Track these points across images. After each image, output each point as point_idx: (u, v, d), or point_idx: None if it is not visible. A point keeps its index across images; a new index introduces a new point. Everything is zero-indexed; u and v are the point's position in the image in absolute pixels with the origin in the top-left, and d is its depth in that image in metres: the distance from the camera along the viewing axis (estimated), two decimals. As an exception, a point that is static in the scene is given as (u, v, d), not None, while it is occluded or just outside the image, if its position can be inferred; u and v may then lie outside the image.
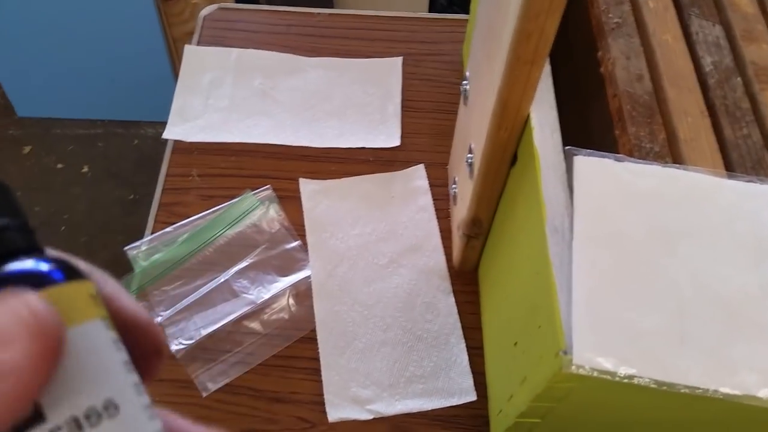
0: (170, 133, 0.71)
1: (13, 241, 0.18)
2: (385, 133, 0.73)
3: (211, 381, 0.57)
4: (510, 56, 0.37)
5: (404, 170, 0.70)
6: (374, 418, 0.56)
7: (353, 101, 0.75)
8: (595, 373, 0.32)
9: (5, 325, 0.15)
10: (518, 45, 0.36)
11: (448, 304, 0.62)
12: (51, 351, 0.16)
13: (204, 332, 0.59)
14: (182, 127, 0.72)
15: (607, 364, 0.32)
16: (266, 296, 0.61)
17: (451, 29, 0.82)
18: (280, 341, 0.59)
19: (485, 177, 0.46)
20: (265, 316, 0.61)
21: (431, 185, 0.69)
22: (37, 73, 1.57)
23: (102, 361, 0.18)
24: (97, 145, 1.69)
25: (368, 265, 0.64)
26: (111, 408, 0.18)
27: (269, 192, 0.68)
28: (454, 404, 0.57)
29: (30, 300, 0.16)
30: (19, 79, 1.60)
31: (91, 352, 0.18)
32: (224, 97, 0.75)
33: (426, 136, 0.73)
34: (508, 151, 0.43)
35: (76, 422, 0.17)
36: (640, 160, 0.38)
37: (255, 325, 0.60)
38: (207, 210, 0.66)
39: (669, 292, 0.34)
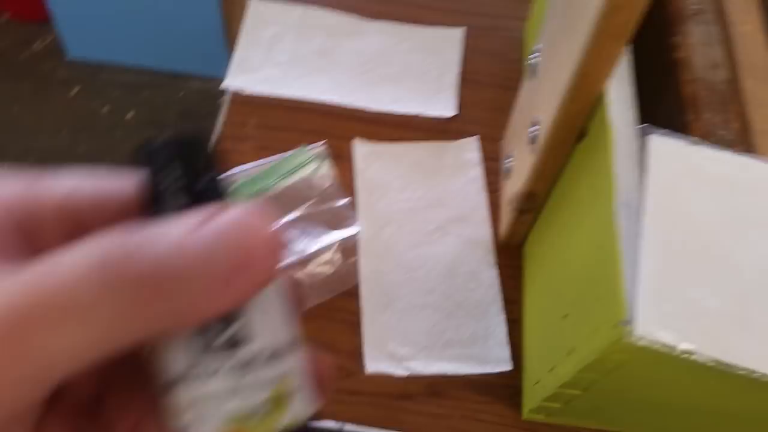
0: (230, 83, 0.72)
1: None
2: (441, 102, 0.73)
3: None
4: (596, 29, 0.37)
5: (457, 141, 0.70)
6: (409, 375, 0.57)
7: (412, 68, 0.76)
8: (655, 346, 0.32)
9: (254, 227, 0.17)
10: (606, 18, 0.36)
11: (490, 275, 0.63)
12: (276, 262, 0.18)
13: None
14: (242, 78, 0.73)
15: (667, 337, 0.32)
16: (313, 248, 0.62)
17: (516, 5, 0.82)
18: (323, 293, 0.61)
19: (549, 151, 0.47)
20: (311, 268, 0.62)
21: (483, 158, 0.69)
22: (89, 17, 1.59)
23: (280, 299, 0.20)
24: (143, 93, 1.71)
25: (415, 230, 0.65)
26: (288, 347, 0.19)
27: (323, 149, 0.68)
28: (489, 372, 0.58)
29: (266, 216, 0.18)
30: (73, 21, 1.62)
31: (275, 295, 0.20)
32: (285, 52, 0.75)
33: (481, 109, 0.73)
34: (578, 125, 0.43)
35: (271, 351, 0.19)
36: (714, 146, 0.39)
37: (300, 275, 0.62)
38: (261, 160, 0.67)
39: (734, 276, 0.34)
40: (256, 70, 0.74)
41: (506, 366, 0.58)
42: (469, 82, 0.75)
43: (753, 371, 0.32)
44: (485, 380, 0.58)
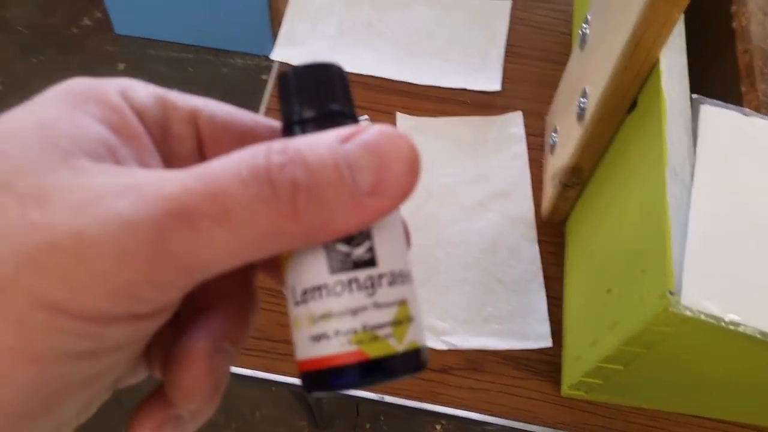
0: (277, 55, 0.73)
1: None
2: (486, 76, 0.72)
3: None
4: (651, -5, 0.36)
5: (501, 116, 0.70)
6: (448, 350, 0.57)
7: (457, 41, 0.75)
8: (702, 316, 0.32)
9: (398, 144, 0.18)
10: (662, -17, 0.35)
11: (531, 252, 0.62)
12: (415, 181, 0.18)
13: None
14: (289, 50, 0.73)
15: (714, 308, 0.32)
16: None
17: (565, -21, 0.80)
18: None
19: (599, 122, 0.46)
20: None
21: (527, 134, 0.68)
22: (137, -8, 1.62)
23: (401, 232, 0.21)
24: (188, 69, 1.73)
25: (456, 204, 0.65)
26: (406, 276, 0.20)
27: (367, 122, 0.68)
28: (529, 348, 0.58)
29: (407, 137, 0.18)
30: (121, -3, 1.65)
31: (397, 224, 0.21)
32: (331, 25, 0.76)
33: (527, 83, 0.72)
34: (629, 94, 0.43)
35: (392, 276, 0.20)
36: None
37: (342, 247, 0.62)
38: (305, 132, 0.67)
39: (786, 249, 0.33)
40: (303, 42, 0.74)
41: (546, 342, 0.58)
42: (515, 55, 0.74)
43: (803, 345, 0.31)
44: (524, 356, 0.58)
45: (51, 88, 0.19)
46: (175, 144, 0.20)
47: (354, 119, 0.21)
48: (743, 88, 0.42)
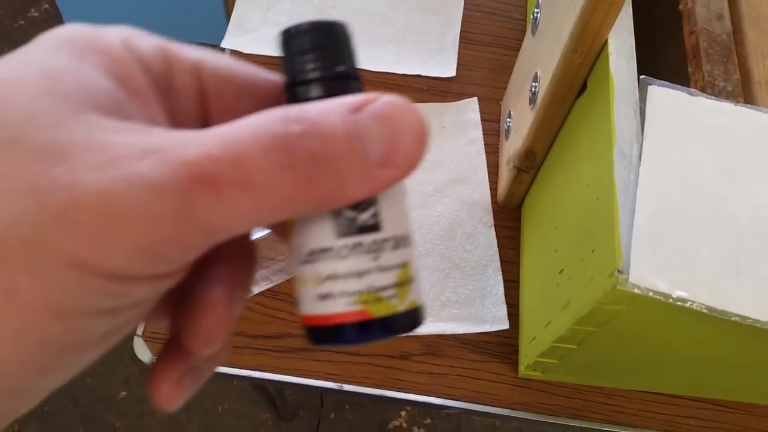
0: (228, 43, 0.72)
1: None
2: (442, 62, 0.72)
3: (254, 284, 0.59)
4: (597, -23, 0.36)
5: (457, 102, 0.70)
6: (407, 336, 0.57)
7: (412, 28, 0.75)
8: (650, 294, 0.32)
9: (408, 116, 0.18)
10: (607, -35, 0.36)
11: (488, 236, 0.63)
12: (423, 153, 0.19)
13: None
14: (240, 38, 0.72)
15: (662, 285, 0.32)
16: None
17: (518, -36, 0.80)
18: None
19: (549, 105, 0.46)
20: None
21: (482, 119, 0.69)
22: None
23: (404, 197, 0.21)
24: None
25: (412, 191, 0.65)
26: (408, 240, 0.21)
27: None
28: (486, 331, 0.58)
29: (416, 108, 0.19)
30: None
31: (401, 188, 0.21)
32: (283, 12, 0.74)
33: (482, 69, 0.72)
34: (579, 77, 0.43)
35: (395, 240, 0.20)
36: (713, 97, 0.38)
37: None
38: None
39: (729, 224, 0.34)
40: (254, 30, 0.73)
41: (503, 325, 0.58)
42: (470, 41, 0.74)
43: (746, 317, 0.32)
44: (482, 339, 0.58)
45: (46, 34, 0.18)
46: (177, 97, 0.20)
47: (358, 80, 0.21)
48: (690, 69, 0.42)
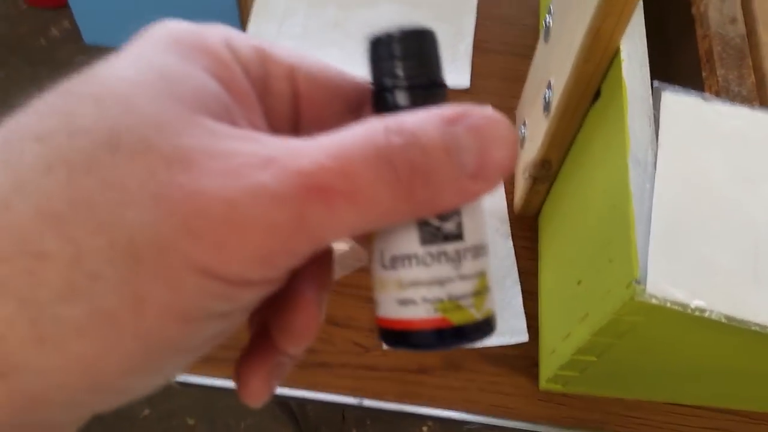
0: (242, 58, 0.72)
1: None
2: (455, 72, 0.72)
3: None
4: (607, -17, 0.36)
5: (471, 112, 0.69)
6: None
7: (425, 39, 0.75)
8: (668, 304, 0.31)
9: (502, 131, 0.18)
10: (617, -29, 0.35)
11: (506, 247, 0.62)
12: (512, 167, 0.19)
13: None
14: (254, 53, 0.73)
15: (680, 295, 0.32)
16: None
17: (530, -28, 0.80)
18: (339, 269, 0.60)
19: (563, 113, 0.46)
20: (325, 243, 0.62)
21: (497, 129, 0.68)
22: (105, 2, 1.60)
23: (481, 207, 0.22)
24: (160, 77, 1.72)
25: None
26: (485, 249, 0.21)
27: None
28: (506, 343, 0.57)
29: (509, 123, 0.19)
30: (88, 6, 1.63)
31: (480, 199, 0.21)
32: (297, 26, 0.75)
33: (496, 78, 0.72)
34: (592, 85, 0.42)
35: (475, 250, 0.21)
36: (728, 102, 0.37)
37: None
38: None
39: (746, 231, 0.33)
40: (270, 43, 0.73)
41: (522, 337, 0.57)
42: (482, 50, 0.74)
43: (766, 326, 0.31)
44: (501, 352, 0.57)
45: (151, 31, 0.19)
46: (273, 101, 0.21)
47: (444, 87, 0.22)
48: (704, 74, 0.42)
